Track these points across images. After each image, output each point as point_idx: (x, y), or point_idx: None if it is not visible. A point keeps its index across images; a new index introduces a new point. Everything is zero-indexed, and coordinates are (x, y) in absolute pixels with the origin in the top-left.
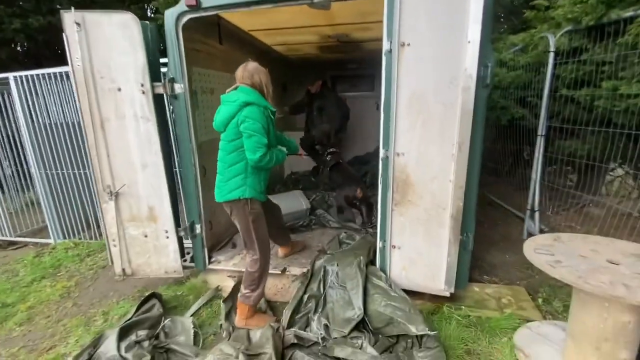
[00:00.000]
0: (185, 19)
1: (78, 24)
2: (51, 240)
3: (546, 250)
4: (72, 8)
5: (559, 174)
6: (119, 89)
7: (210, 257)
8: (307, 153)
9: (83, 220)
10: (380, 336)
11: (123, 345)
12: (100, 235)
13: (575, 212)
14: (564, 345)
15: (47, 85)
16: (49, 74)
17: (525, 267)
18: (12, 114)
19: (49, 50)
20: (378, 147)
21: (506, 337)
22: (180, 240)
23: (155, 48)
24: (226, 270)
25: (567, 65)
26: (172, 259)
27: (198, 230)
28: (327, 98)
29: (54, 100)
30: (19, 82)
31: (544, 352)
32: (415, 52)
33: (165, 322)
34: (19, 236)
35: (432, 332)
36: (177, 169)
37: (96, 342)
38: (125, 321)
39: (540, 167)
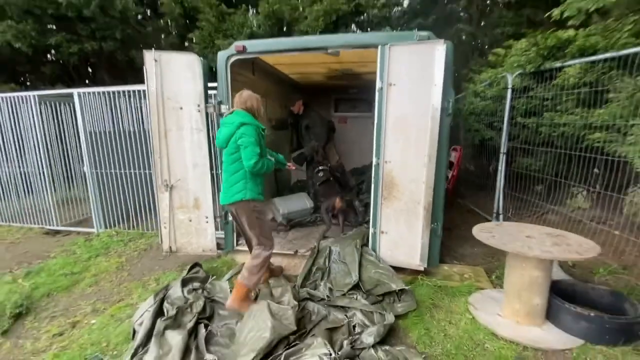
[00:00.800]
0: (233, 59)
1: (155, 60)
2: (94, 230)
3: (488, 231)
4: (153, 49)
5: (525, 186)
6: (181, 108)
7: (237, 241)
8: (300, 167)
9: (123, 213)
10: (370, 296)
11: (185, 289)
12: (137, 225)
13: (537, 218)
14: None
15: (101, 99)
16: (104, 92)
17: (489, 256)
18: (73, 122)
19: (80, 71)
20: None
21: (463, 298)
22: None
23: (207, 78)
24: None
25: (520, 99)
26: (209, 240)
27: (230, 218)
28: (311, 116)
29: (105, 112)
30: (81, 97)
31: (488, 305)
32: (399, 90)
33: (208, 282)
34: (64, 226)
35: (407, 287)
36: (214, 171)
37: (166, 287)
38: (182, 277)
39: (503, 178)
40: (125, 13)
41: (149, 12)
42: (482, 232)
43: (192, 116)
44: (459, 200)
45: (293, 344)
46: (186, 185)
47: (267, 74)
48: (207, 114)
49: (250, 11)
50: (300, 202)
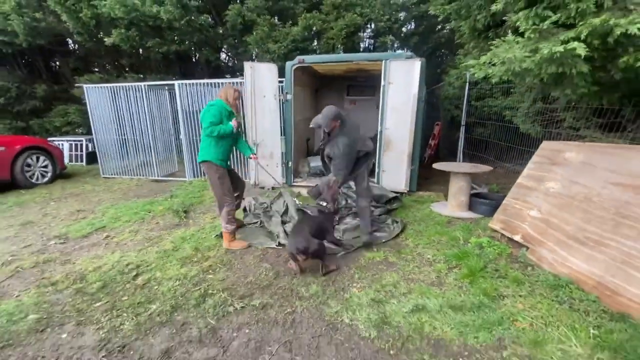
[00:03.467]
0: (295, 66)
1: (251, 67)
2: (186, 178)
3: (441, 165)
4: (250, 61)
5: (480, 147)
6: (264, 96)
7: (293, 179)
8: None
9: None
10: (378, 204)
11: (268, 200)
12: None
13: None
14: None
15: (193, 89)
16: (197, 82)
17: (445, 189)
18: (172, 103)
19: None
20: (376, 134)
21: (427, 204)
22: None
23: (277, 77)
24: (300, 185)
25: (473, 89)
26: (279, 177)
27: (290, 164)
28: (337, 144)
29: (196, 97)
30: (179, 86)
31: (440, 206)
32: (394, 86)
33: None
34: (164, 177)
35: (398, 194)
36: (282, 135)
37: (255, 198)
38: (266, 194)
39: (462, 143)
40: (202, 24)
41: (215, 20)
42: (437, 165)
43: (271, 101)
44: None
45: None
46: (265, 143)
47: (309, 72)
48: (279, 100)
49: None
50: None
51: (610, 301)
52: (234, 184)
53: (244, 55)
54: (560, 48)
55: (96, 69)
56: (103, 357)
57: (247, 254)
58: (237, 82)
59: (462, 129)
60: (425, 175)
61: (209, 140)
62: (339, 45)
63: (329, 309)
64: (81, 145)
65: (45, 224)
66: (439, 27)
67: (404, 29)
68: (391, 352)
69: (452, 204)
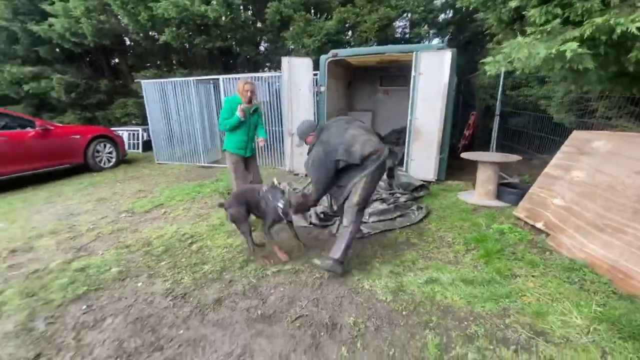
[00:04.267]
0: (330, 59)
1: (288, 62)
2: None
3: (471, 156)
4: (287, 56)
5: (514, 138)
6: (300, 89)
7: None
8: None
9: None
10: (405, 192)
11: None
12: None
13: (524, 161)
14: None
15: (236, 83)
16: (239, 77)
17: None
18: (217, 96)
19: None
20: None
21: (455, 192)
22: None
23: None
24: None
25: (508, 78)
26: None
27: None
28: (316, 152)
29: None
30: (223, 80)
31: (467, 195)
32: (425, 77)
33: None
34: (209, 163)
35: (424, 182)
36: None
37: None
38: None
39: (496, 133)
40: (244, 21)
41: (255, 17)
42: (466, 155)
43: (306, 94)
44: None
45: None
46: None
47: (342, 65)
48: (314, 92)
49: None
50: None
51: (622, 284)
52: (249, 172)
53: (282, 49)
54: (554, 50)
55: (148, 65)
56: (170, 301)
57: (283, 231)
58: (275, 76)
59: (496, 119)
60: (457, 165)
61: (227, 132)
62: (372, 38)
63: (352, 276)
64: (137, 134)
65: (115, 200)
66: (475, 15)
67: (439, 19)
68: (403, 313)
69: (480, 193)
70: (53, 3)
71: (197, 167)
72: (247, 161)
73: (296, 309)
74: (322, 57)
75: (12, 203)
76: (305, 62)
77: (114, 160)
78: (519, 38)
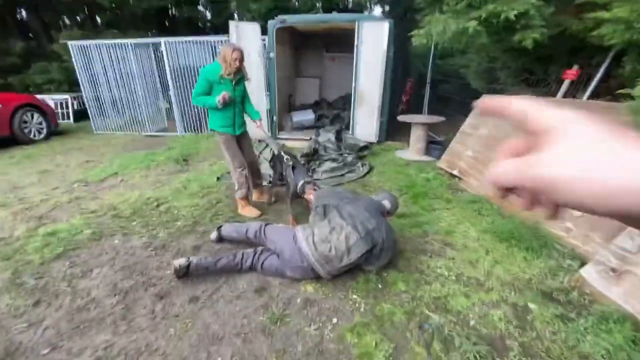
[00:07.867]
0: (277, 26)
1: (235, 26)
2: (177, 133)
3: (406, 119)
4: (235, 20)
5: (444, 102)
6: (249, 54)
7: (278, 132)
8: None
9: (195, 121)
10: (352, 152)
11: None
12: (203, 130)
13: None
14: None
15: (180, 47)
16: (183, 40)
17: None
18: (160, 61)
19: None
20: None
21: (393, 151)
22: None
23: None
24: (283, 138)
25: (438, 49)
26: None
27: (275, 119)
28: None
29: (182, 54)
30: (167, 44)
31: (403, 152)
32: (366, 46)
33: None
34: (156, 132)
35: (369, 143)
36: (266, 92)
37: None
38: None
39: (427, 98)
40: None
41: None
42: (401, 117)
43: (255, 60)
44: None
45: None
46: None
47: (289, 31)
48: (263, 58)
49: None
50: (307, 114)
51: (507, 207)
52: (242, 151)
53: (224, 12)
54: (460, 26)
55: (69, 24)
56: (151, 251)
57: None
58: (221, 40)
59: (428, 86)
60: (396, 128)
61: (209, 109)
62: (318, 4)
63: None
64: (66, 102)
65: (61, 172)
66: None
67: None
68: None
69: (412, 150)
70: None
71: (144, 137)
72: (238, 140)
73: None
74: (270, 23)
75: None
76: (254, 28)
77: (44, 131)
78: (437, 14)
